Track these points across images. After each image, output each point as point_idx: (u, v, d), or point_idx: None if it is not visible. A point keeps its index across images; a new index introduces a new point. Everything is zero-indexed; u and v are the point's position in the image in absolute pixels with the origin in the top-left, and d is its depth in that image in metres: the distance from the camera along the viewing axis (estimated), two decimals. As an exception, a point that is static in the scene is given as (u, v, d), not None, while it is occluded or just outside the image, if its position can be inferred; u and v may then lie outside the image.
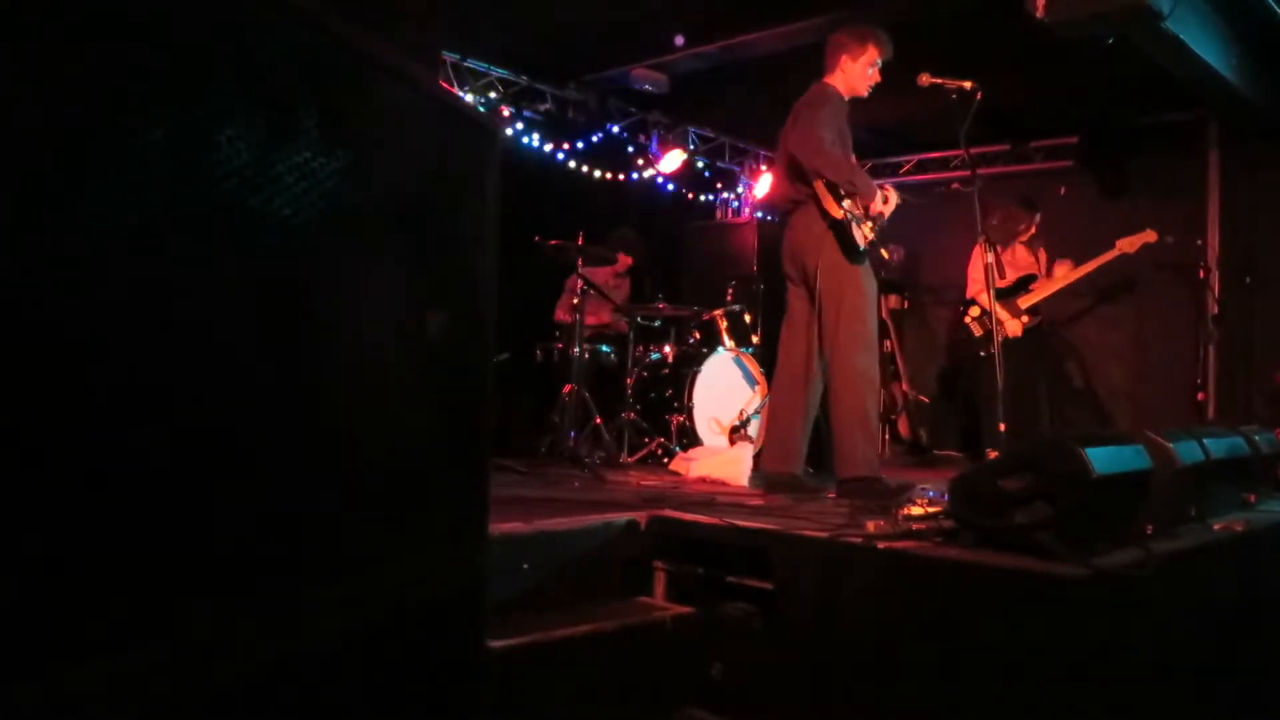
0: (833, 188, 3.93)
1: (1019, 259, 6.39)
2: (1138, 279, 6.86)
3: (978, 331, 6.37)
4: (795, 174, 4.04)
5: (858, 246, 3.98)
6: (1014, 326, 6.22)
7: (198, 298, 1.03)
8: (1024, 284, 6.26)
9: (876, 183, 4.09)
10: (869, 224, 4.05)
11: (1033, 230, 6.47)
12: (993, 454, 6.20)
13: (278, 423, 1.16)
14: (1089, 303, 7.06)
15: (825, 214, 3.96)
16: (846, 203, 3.95)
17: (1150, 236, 6.15)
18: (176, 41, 0.99)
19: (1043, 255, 6.46)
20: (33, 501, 0.86)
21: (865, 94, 4.18)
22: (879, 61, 4.14)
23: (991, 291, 4.41)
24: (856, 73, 4.13)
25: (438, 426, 1.58)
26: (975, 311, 6.35)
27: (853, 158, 4.13)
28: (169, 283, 0.99)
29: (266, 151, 1.06)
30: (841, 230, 3.94)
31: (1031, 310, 6.25)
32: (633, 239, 6.51)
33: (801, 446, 4.08)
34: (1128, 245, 6.16)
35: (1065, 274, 6.28)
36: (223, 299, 1.07)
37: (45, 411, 0.87)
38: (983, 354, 6.30)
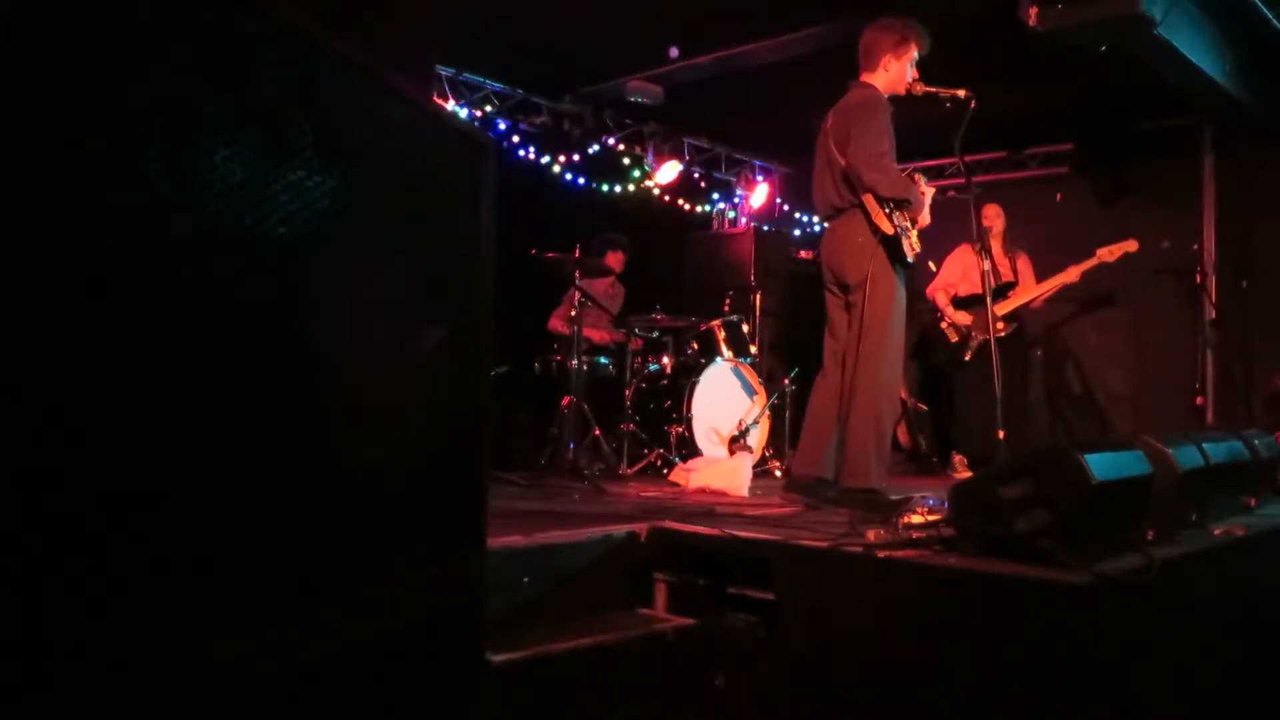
0: (883, 202, 3.87)
1: (995, 262, 6.33)
2: (1135, 284, 6.87)
3: (953, 338, 6.38)
4: (842, 183, 3.96)
5: (907, 260, 3.96)
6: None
7: (193, 316, 1.03)
8: (1001, 291, 6.23)
9: (909, 173, 4.00)
10: (914, 233, 4.02)
11: (999, 227, 6.38)
12: (958, 457, 6.21)
13: (271, 441, 1.16)
14: (1074, 309, 7.05)
15: (875, 228, 3.89)
16: (896, 216, 3.90)
17: (1131, 245, 6.09)
18: (170, 63, 1.00)
19: (1023, 262, 6.37)
20: (38, 526, 0.86)
21: (904, 93, 4.05)
22: (917, 58, 4.04)
23: (990, 298, 4.41)
24: (899, 71, 4.02)
25: (435, 441, 1.58)
26: (961, 318, 6.35)
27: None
28: (164, 302, 0.99)
29: (260, 171, 1.06)
30: (892, 245, 3.90)
31: (1009, 318, 6.23)
32: (617, 238, 6.52)
33: (831, 452, 4.04)
34: (1107, 254, 6.12)
35: (1044, 282, 6.26)
36: (218, 317, 1.07)
37: (37, 430, 0.87)
38: (967, 359, 6.32)
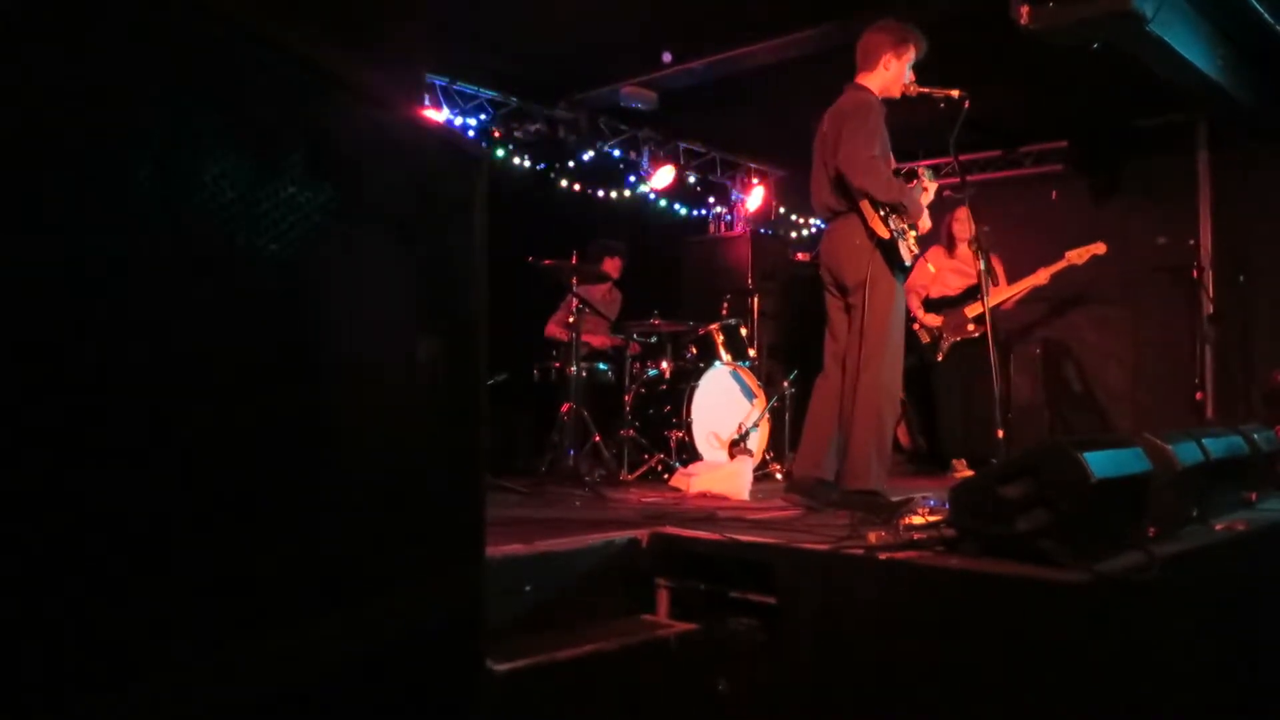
0: (879, 205, 3.87)
1: (966, 265, 6.32)
2: (1133, 282, 6.88)
3: (925, 339, 6.38)
4: (838, 186, 3.97)
5: (903, 263, 3.96)
6: (961, 335, 6.24)
7: (187, 333, 1.03)
8: (972, 293, 6.21)
9: (911, 169, 3.98)
10: (912, 235, 4.03)
11: (970, 230, 6.33)
12: (957, 462, 6.19)
13: (268, 455, 1.16)
14: (1072, 307, 7.05)
15: (871, 232, 3.88)
16: (893, 220, 3.89)
17: (1099, 248, 6.07)
18: (160, 81, 1.00)
19: (995, 263, 6.30)
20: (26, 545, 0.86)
21: (899, 96, 4.06)
22: (914, 60, 4.05)
23: (986, 297, 4.41)
24: (897, 72, 4.03)
25: (431, 451, 1.58)
26: (931, 320, 6.35)
27: (892, 162, 4.06)
28: (158, 321, 0.99)
29: (252, 188, 1.06)
30: (889, 248, 3.89)
31: (979, 319, 6.20)
32: (614, 244, 6.52)
33: (832, 455, 4.03)
34: (1076, 257, 6.11)
35: (1014, 284, 6.25)
36: (211, 334, 1.07)
37: (35, 432, 0.87)
38: (939, 360, 6.32)
